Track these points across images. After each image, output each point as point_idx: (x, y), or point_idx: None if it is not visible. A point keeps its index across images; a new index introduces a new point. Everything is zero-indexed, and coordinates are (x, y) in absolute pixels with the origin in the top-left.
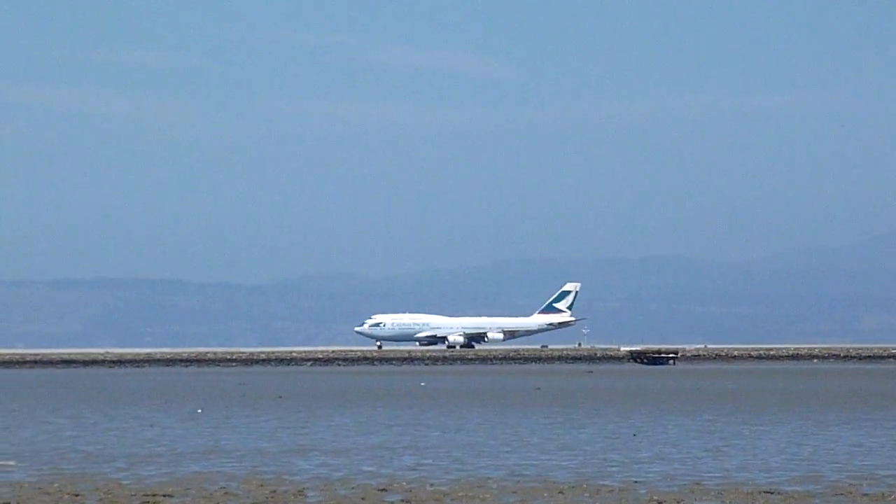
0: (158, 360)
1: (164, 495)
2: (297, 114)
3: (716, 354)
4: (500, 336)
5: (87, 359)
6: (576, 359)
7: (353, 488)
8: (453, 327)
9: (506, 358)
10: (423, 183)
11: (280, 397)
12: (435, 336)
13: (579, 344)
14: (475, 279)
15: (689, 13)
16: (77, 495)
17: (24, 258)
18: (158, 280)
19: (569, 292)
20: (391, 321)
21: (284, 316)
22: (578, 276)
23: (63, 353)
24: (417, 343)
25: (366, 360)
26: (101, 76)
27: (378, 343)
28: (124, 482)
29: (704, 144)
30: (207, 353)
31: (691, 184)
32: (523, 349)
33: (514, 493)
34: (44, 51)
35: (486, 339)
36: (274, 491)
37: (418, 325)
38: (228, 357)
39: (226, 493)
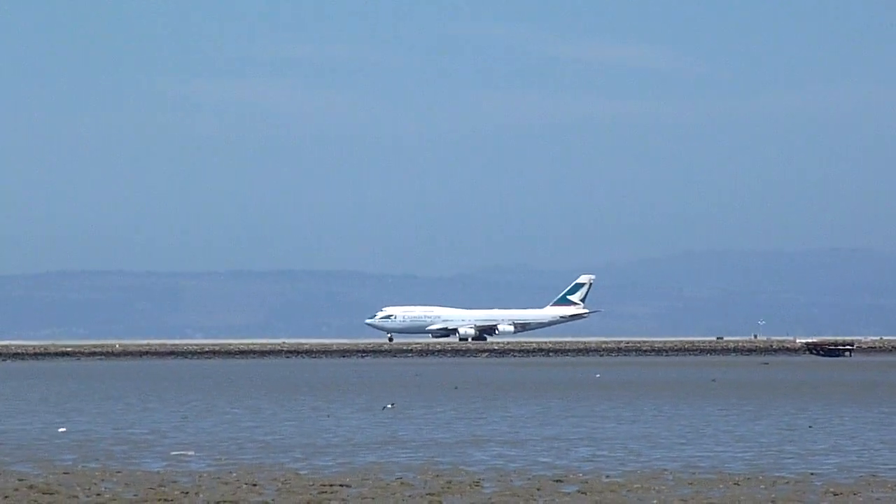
0: (335, 351)
1: (340, 485)
2: (483, 108)
3: (892, 346)
4: (511, 328)
5: (264, 349)
6: (751, 350)
7: (528, 479)
8: (465, 319)
9: (681, 349)
10: (603, 174)
11: (456, 388)
12: (446, 328)
13: (755, 336)
14: (656, 271)
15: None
16: (255, 485)
17: (206, 249)
18: (337, 271)
19: (582, 284)
20: (402, 313)
21: (462, 308)
22: (752, 268)
23: (241, 344)
24: (431, 335)
25: (540, 351)
26: (282, 69)
27: (389, 335)
28: (301, 472)
29: (888, 133)
30: (384, 343)
31: (870, 174)
32: (698, 341)
33: (690, 484)
34: (238, 46)
35: (496, 331)
36: (450, 481)
37: (430, 317)
38: (405, 348)
39: (402, 483)
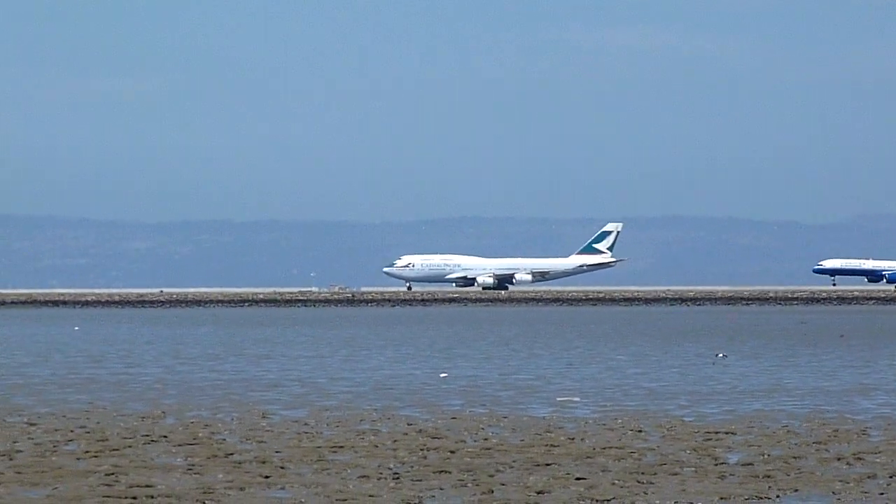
0: (718, 298)
1: (725, 433)
2: (811, 56)
3: None
4: (529, 277)
5: (649, 296)
6: None
7: None
8: (486, 268)
9: None
10: None
11: (841, 336)
12: (466, 277)
13: None
14: None
15: None
16: (640, 431)
17: (585, 195)
18: (720, 218)
19: (609, 232)
20: (421, 262)
21: (841, 256)
22: None
23: (624, 291)
24: (454, 284)
25: None
26: (661, 14)
27: (408, 284)
28: (686, 419)
29: None
30: (769, 291)
31: None
32: None
33: None
34: None
35: (514, 280)
36: (836, 430)
37: (449, 265)
38: (789, 295)
39: (788, 432)
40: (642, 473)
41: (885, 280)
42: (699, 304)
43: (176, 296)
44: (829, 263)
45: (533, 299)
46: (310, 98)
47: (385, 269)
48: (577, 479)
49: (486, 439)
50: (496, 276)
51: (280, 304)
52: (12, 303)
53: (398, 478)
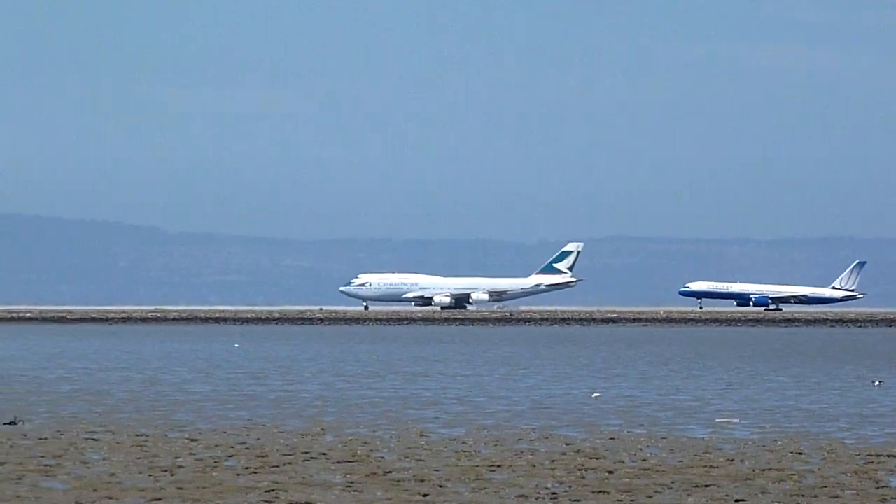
0: (880, 320)
1: (888, 456)
2: None
3: None
4: (486, 297)
5: (809, 318)
6: None
7: None
8: (443, 287)
9: None
10: None
11: None
12: (423, 296)
13: None
14: None
15: None
16: (800, 454)
17: (744, 216)
18: (872, 239)
19: (570, 252)
20: (378, 280)
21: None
22: None
23: (785, 313)
24: (413, 303)
25: None
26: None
27: (364, 303)
28: (847, 442)
29: None
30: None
31: None
32: None
33: None
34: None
35: (471, 300)
36: None
37: (406, 284)
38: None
39: None
40: (802, 496)
41: (752, 304)
42: (860, 326)
43: (335, 313)
44: (696, 286)
45: (691, 320)
46: (471, 116)
47: (342, 288)
48: (736, 500)
49: (644, 460)
50: (453, 295)
51: (437, 322)
52: (174, 319)
53: (556, 498)
